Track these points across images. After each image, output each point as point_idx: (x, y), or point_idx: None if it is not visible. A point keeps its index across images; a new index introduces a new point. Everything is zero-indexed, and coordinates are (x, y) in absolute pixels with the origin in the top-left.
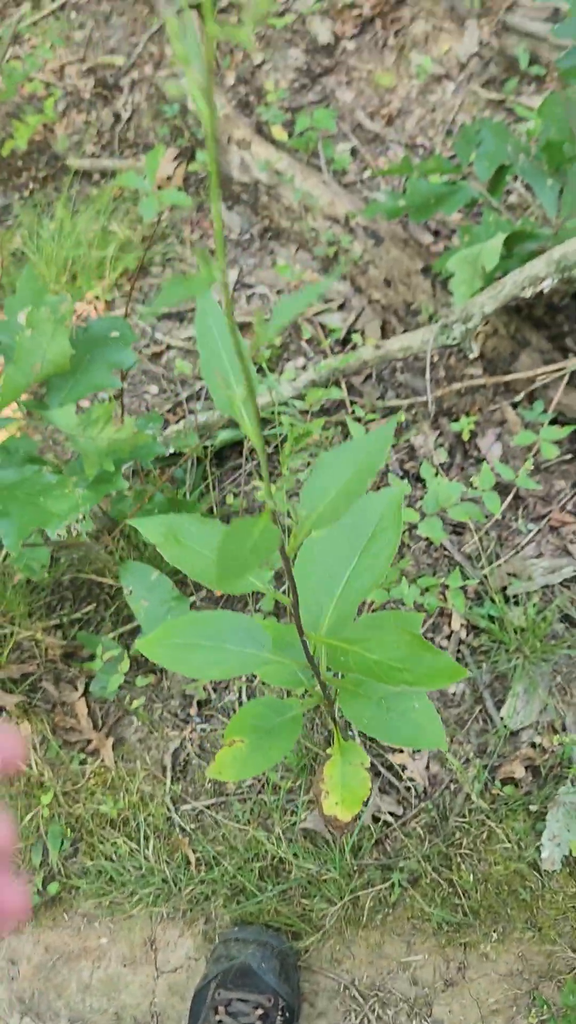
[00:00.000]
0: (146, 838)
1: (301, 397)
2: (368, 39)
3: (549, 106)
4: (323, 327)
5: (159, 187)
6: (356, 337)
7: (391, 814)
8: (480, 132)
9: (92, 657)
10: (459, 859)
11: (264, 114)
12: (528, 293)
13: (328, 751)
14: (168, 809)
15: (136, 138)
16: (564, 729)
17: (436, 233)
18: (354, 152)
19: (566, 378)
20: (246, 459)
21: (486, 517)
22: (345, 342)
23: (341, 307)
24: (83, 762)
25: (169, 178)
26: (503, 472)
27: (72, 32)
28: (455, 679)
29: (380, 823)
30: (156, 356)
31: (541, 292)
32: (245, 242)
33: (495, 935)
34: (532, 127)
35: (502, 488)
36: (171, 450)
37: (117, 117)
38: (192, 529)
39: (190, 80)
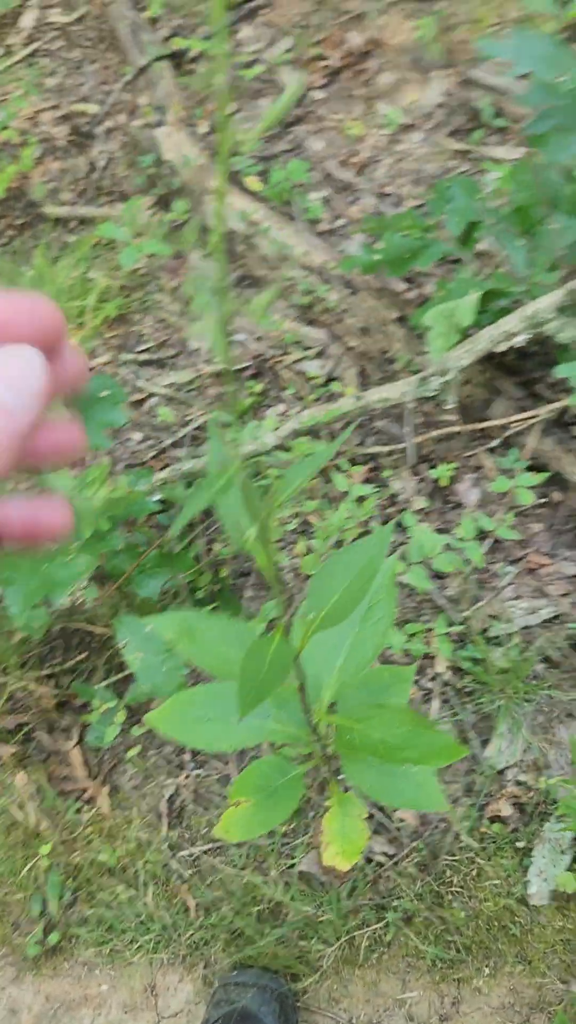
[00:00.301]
0: (145, 885)
1: (286, 449)
2: (336, 89)
3: (518, 172)
4: (302, 374)
5: (138, 235)
6: (336, 385)
7: (384, 854)
8: (451, 188)
9: (86, 706)
10: (450, 896)
11: (238, 163)
12: (502, 348)
13: (326, 802)
14: (166, 855)
15: (112, 186)
16: (547, 767)
17: (409, 281)
18: (327, 201)
19: (539, 426)
20: None
21: (467, 564)
22: (324, 388)
23: (319, 354)
24: (79, 811)
25: (147, 226)
26: (484, 524)
27: (44, 79)
28: (455, 758)
29: (373, 863)
30: (138, 403)
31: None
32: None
33: (487, 970)
34: (499, 180)
35: (482, 533)
36: (157, 496)
37: (92, 165)
38: (203, 626)
39: (208, 330)
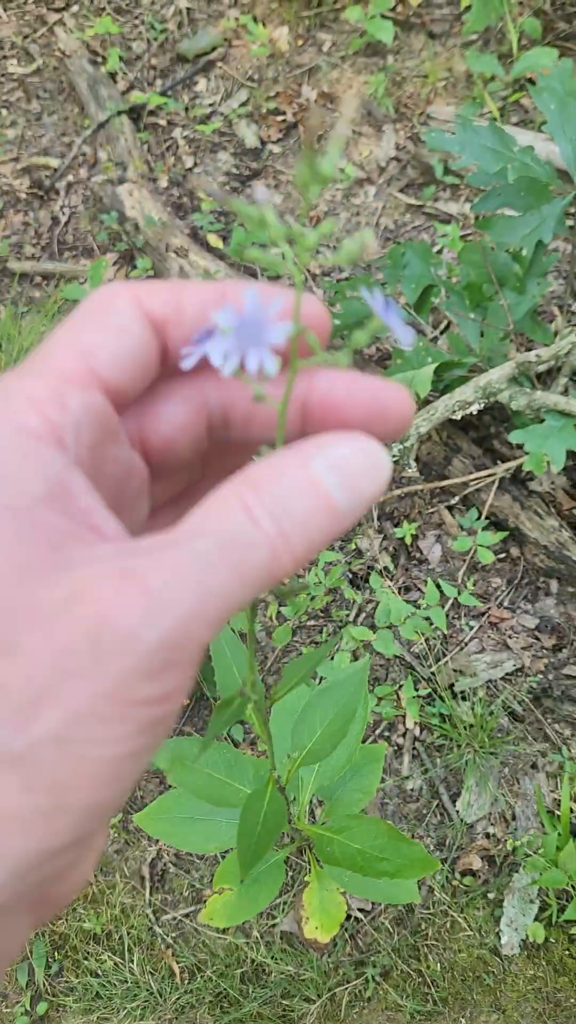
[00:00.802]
0: (130, 951)
1: None
2: (292, 143)
3: (468, 253)
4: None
5: None
6: None
7: (361, 910)
8: (406, 255)
9: None
10: (426, 949)
11: (200, 220)
12: (458, 415)
13: (305, 878)
14: (150, 920)
15: (75, 241)
16: (514, 818)
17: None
18: (284, 256)
19: (496, 483)
20: None
21: (431, 625)
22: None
23: None
24: None
25: (111, 281)
26: (447, 591)
27: (4, 129)
28: (429, 871)
29: (351, 919)
30: None
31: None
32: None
33: (464, 1020)
34: (449, 241)
35: (445, 597)
36: None
37: (55, 220)
38: (195, 751)
39: None
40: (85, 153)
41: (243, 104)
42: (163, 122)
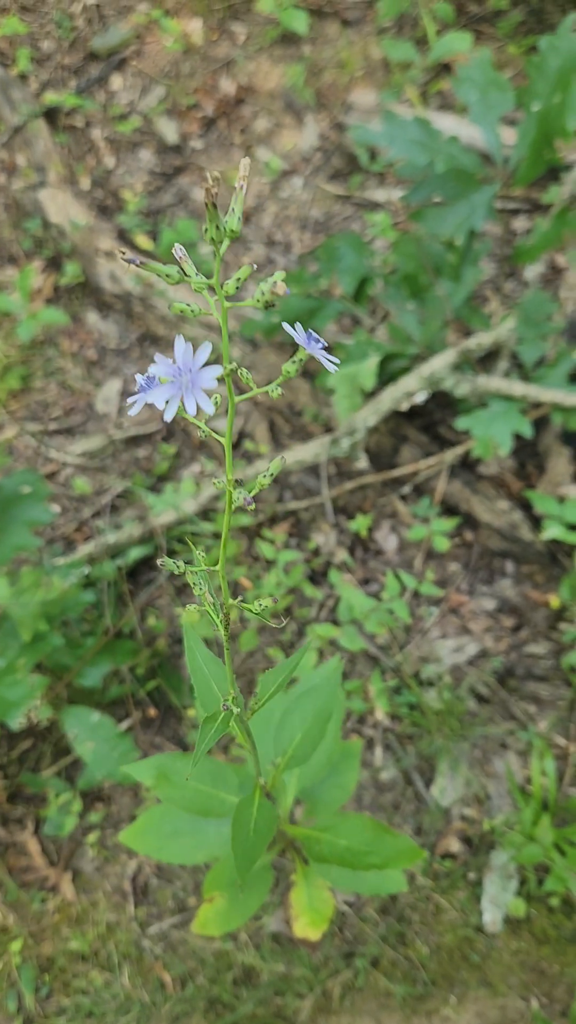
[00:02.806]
0: (119, 966)
1: (208, 517)
2: (214, 138)
3: (403, 244)
4: (213, 431)
5: (30, 300)
6: (248, 443)
7: (346, 903)
8: (339, 248)
9: (38, 795)
10: (413, 935)
11: (127, 222)
12: (404, 407)
13: (292, 877)
14: (136, 934)
15: (0, 250)
16: (488, 798)
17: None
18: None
19: (446, 470)
20: (160, 574)
21: (393, 615)
22: (236, 446)
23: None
24: (44, 900)
25: (39, 290)
26: (407, 581)
27: None
28: (415, 860)
29: (338, 913)
30: (52, 475)
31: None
32: (125, 351)
33: (453, 998)
34: (381, 227)
35: (405, 588)
36: (87, 570)
37: None
38: (178, 766)
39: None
40: (2, 159)
41: (161, 101)
42: (81, 123)
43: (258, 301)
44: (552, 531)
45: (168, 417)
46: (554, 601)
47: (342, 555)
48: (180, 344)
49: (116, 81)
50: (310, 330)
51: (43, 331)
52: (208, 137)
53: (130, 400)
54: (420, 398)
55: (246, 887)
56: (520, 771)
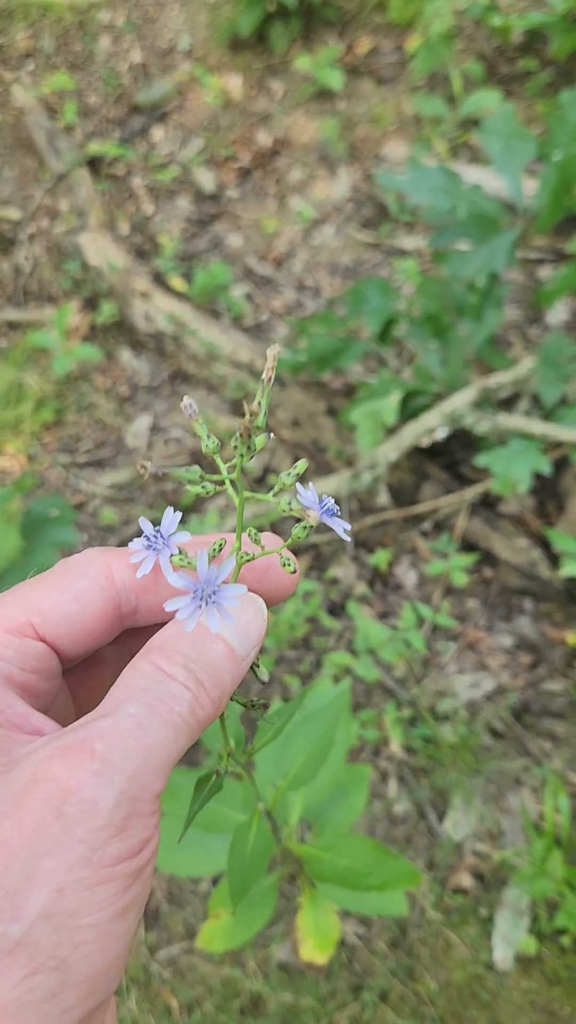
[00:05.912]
0: (127, 989)
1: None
2: (250, 188)
3: (427, 286)
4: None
5: (67, 337)
6: (271, 477)
7: (356, 935)
8: (366, 291)
9: None
10: (422, 969)
11: (162, 265)
12: (425, 443)
13: (298, 899)
14: (145, 958)
15: (39, 289)
16: (502, 834)
17: (335, 371)
18: (249, 297)
19: (466, 507)
20: None
21: (410, 647)
22: (261, 480)
23: None
24: None
25: (76, 328)
26: (424, 613)
27: None
28: (414, 883)
29: (347, 945)
30: (81, 505)
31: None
32: (156, 388)
33: None
34: (405, 275)
35: (422, 620)
36: None
37: (18, 270)
38: (183, 783)
39: None
40: (46, 205)
41: (200, 152)
42: (122, 171)
43: (278, 499)
44: (570, 569)
45: (189, 629)
46: (571, 639)
47: (361, 588)
48: (203, 558)
49: (157, 133)
50: (323, 495)
51: (78, 367)
52: (244, 187)
53: (136, 558)
54: (441, 434)
55: (247, 906)
56: (534, 807)
